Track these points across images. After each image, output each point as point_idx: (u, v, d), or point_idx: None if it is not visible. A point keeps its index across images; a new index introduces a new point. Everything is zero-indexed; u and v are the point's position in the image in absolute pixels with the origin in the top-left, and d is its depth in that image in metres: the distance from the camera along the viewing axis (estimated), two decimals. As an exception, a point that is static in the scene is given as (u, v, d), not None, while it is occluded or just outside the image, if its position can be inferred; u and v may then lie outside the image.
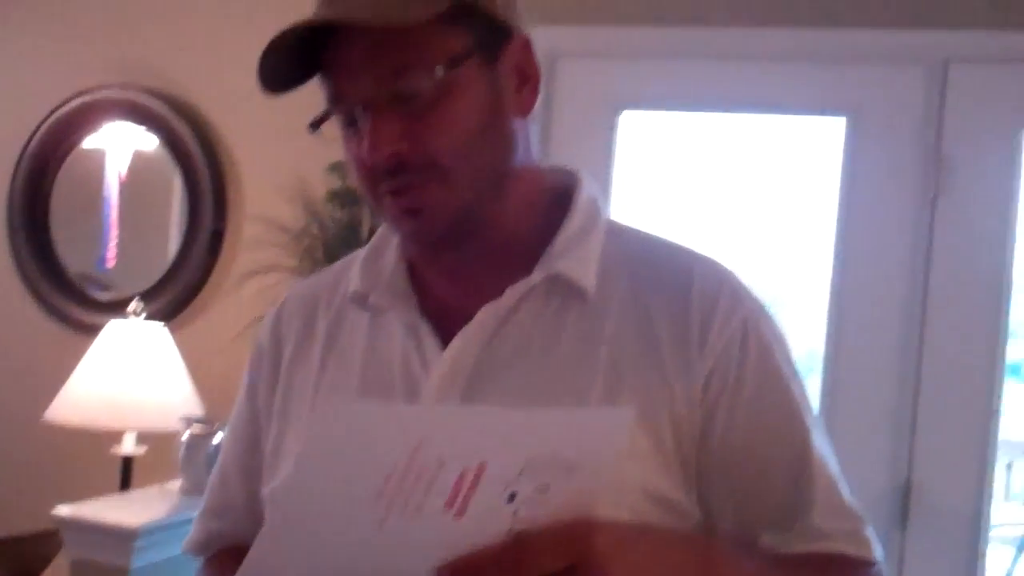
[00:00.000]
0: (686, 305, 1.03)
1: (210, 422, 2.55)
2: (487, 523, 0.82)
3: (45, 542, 2.84)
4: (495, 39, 1.03)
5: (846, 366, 2.67)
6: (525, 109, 1.06)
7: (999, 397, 2.58)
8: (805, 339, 2.74)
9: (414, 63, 0.98)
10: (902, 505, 2.56)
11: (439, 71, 0.98)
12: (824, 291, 2.72)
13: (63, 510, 2.26)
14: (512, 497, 0.81)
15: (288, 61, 1.01)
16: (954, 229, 2.60)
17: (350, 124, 1.03)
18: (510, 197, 1.06)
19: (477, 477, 0.80)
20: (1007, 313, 2.58)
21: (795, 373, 1.07)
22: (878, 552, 1.06)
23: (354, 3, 0.98)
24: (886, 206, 2.66)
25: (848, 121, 2.69)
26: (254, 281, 2.89)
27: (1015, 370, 2.74)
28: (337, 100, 1.02)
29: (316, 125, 1.05)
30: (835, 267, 2.70)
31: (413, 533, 0.81)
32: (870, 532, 1.06)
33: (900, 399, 2.62)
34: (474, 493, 0.80)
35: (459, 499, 0.80)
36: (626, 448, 0.96)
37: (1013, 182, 2.58)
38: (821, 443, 1.05)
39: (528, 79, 1.06)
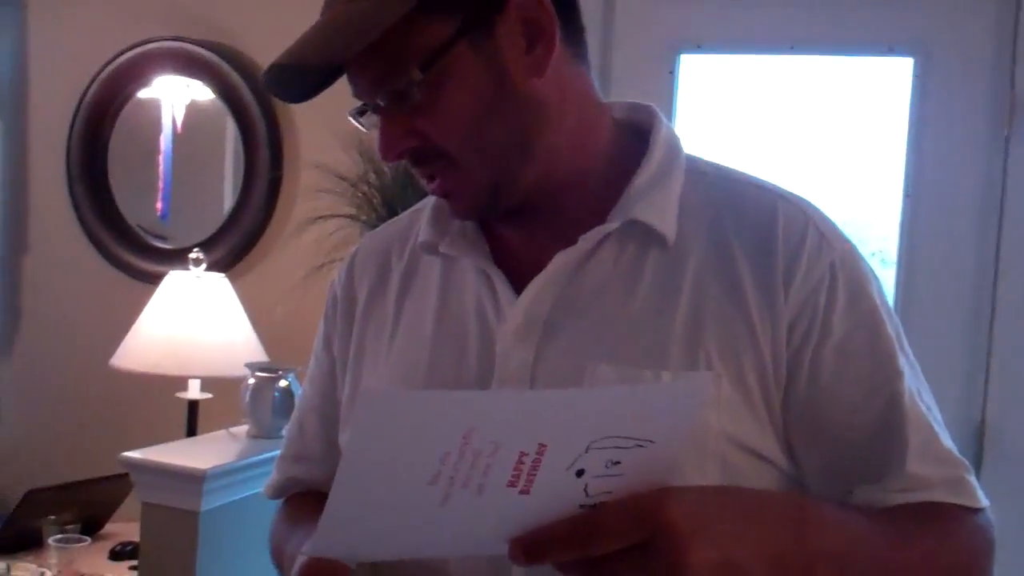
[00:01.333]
0: (771, 249, 0.99)
1: (274, 368, 2.56)
2: (556, 498, 0.80)
3: (114, 486, 2.89)
4: (489, 7, 0.98)
5: (918, 308, 2.63)
6: (541, 68, 1.00)
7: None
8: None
9: (391, 69, 0.96)
10: (976, 447, 2.53)
11: (416, 74, 0.95)
12: (894, 234, 2.68)
13: (132, 455, 2.28)
14: (581, 473, 0.79)
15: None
16: (1029, 168, 2.54)
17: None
18: (562, 146, 1.03)
19: (539, 457, 0.78)
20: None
21: (888, 315, 1.02)
22: (983, 499, 1.01)
23: (310, 41, 0.99)
24: (957, 147, 2.60)
25: (916, 61, 2.63)
26: (313, 229, 2.89)
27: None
28: (357, 98, 1.03)
29: (355, 116, 1.05)
30: (905, 211, 2.66)
31: (480, 509, 0.80)
32: (973, 479, 1.01)
33: (974, 340, 2.59)
34: (537, 472, 0.78)
35: (522, 478, 0.78)
36: (710, 405, 0.94)
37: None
38: (916, 388, 1.01)
39: (541, 33, 0.99)
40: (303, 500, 1.23)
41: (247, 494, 2.26)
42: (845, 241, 1.04)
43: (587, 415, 0.79)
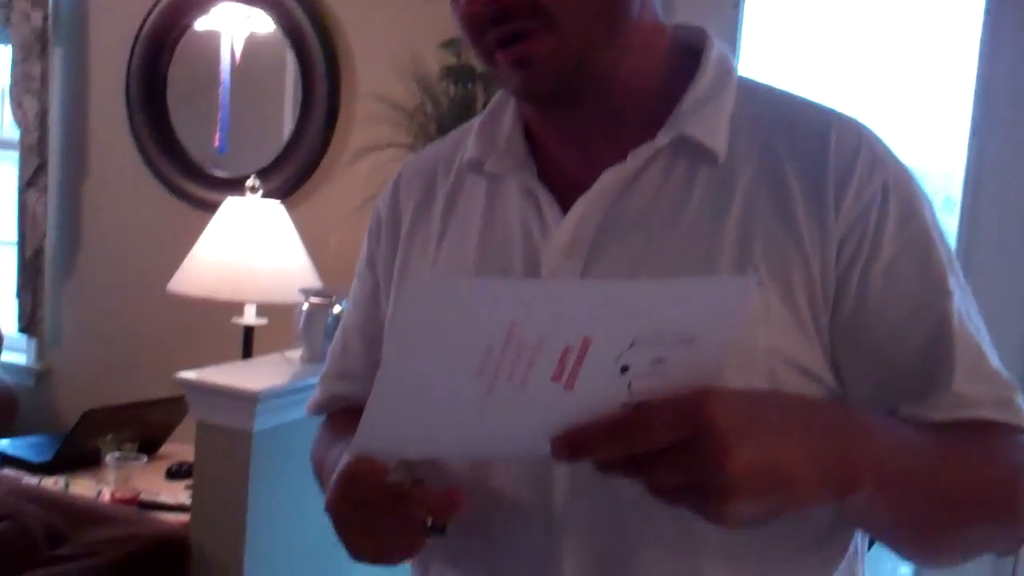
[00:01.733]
0: (822, 167, 0.97)
1: (328, 294, 2.57)
2: (599, 395, 0.79)
3: (170, 408, 2.93)
4: None
5: (981, 252, 2.58)
6: None
7: None
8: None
9: None
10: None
11: None
12: (959, 174, 2.62)
13: (188, 375, 2.30)
14: (625, 369, 0.78)
15: None
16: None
17: None
18: (629, 50, 1.01)
19: (582, 352, 0.77)
20: None
21: (939, 237, 1.00)
22: None
23: None
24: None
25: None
26: (368, 158, 2.90)
27: None
28: None
29: None
30: (971, 149, 2.60)
31: (523, 404, 0.79)
32: (1021, 400, 0.99)
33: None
34: (581, 367, 0.77)
35: (566, 373, 0.78)
36: (752, 317, 0.92)
37: None
38: (966, 309, 0.99)
39: None
40: (345, 417, 1.24)
41: (299, 416, 2.27)
42: (898, 162, 1.02)
43: (633, 308, 0.78)
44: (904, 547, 0.99)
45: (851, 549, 1.03)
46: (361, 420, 0.83)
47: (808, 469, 0.81)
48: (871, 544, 1.10)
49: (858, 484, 0.84)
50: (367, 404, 0.81)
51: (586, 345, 0.77)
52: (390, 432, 0.85)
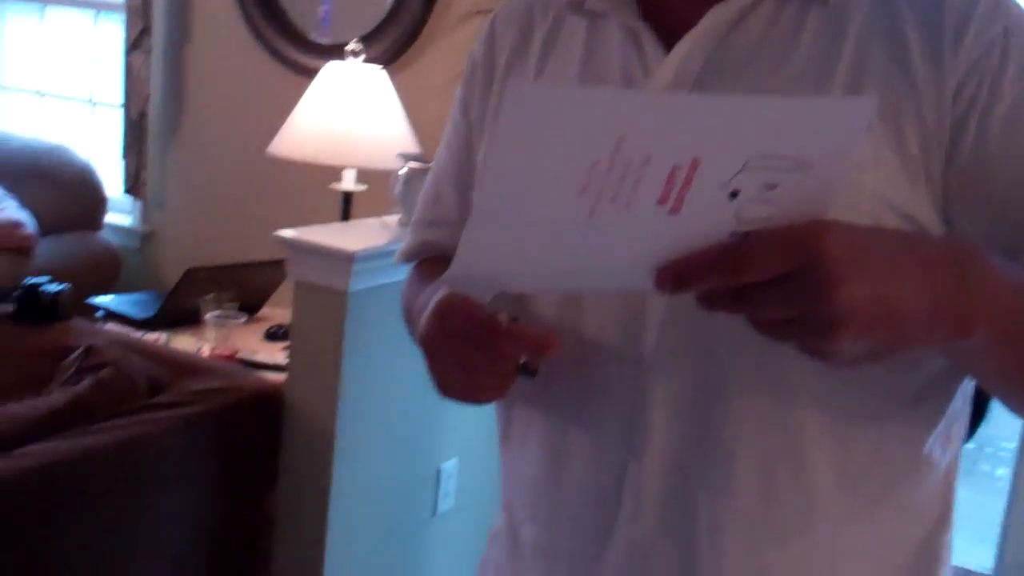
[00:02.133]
0: (940, 9, 0.92)
1: (426, 160, 2.54)
2: (706, 221, 0.75)
3: (270, 271, 2.97)
4: None
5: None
6: None
7: None
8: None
9: None
10: None
11: None
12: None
13: (287, 234, 2.31)
14: (734, 195, 0.74)
15: None
16: None
17: None
18: None
19: (691, 173, 0.72)
20: None
21: None
22: None
23: None
24: None
25: None
26: (472, 23, 2.84)
27: None
28: None
29: None
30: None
31: (627, 227, 0.75)
32: None
33: None
34: (689, 190, 0.73)
35: (673, 195, 0.73)
36: (867, 150, 0.88)
37: None
38: None
39: None
40: (435, 262, 1.22)
41: (394, 279, 2.27)
42: (1019, 8, 0.95)
43: (746, 126, 0.73)
44: (1017, 400, 0.94)
45: (950, 411, 0.99)
46: (458, 247, 0.80)
47: (921, 307, 0.76)
48: (969, 436, 1.06)
49: (974, 326, 0.79)
50: (464, 230, 0.78)
51: (695, 165, 0.72)
52: (487, 260, 0.81)
